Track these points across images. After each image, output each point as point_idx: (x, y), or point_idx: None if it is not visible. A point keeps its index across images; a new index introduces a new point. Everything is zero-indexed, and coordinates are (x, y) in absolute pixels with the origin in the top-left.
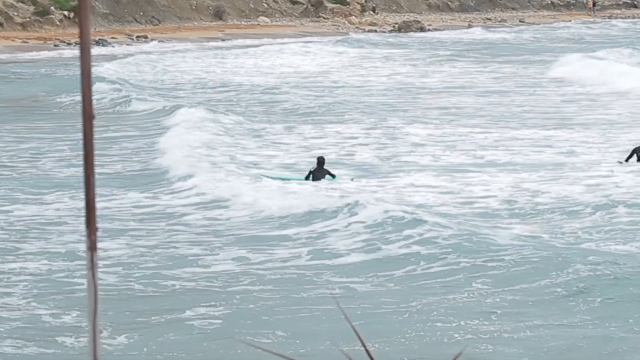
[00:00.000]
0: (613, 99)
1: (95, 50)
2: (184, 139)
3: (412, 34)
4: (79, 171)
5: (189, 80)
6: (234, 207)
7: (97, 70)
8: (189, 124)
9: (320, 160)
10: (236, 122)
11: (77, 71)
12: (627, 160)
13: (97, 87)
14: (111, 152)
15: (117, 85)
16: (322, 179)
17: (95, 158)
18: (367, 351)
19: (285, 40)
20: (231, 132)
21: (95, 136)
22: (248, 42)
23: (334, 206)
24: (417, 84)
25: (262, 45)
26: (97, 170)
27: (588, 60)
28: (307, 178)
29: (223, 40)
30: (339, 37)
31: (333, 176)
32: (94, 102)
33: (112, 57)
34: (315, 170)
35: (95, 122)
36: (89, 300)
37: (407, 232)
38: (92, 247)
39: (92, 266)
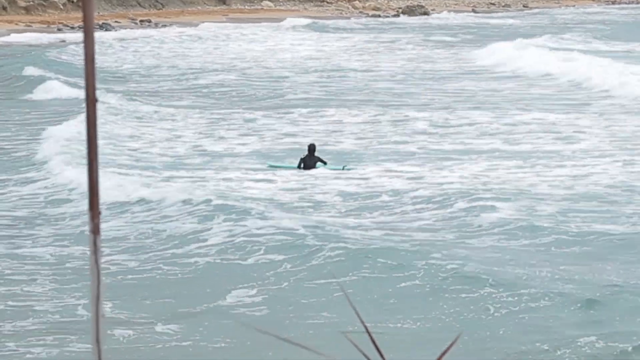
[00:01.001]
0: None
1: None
2: (73, 129)
3: (395, 19)
4: None
5: (159, 65)
6: (65, 200)
7: (44, 54)
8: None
9: (311, 148)
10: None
11: None
12: None
13: (27, 70)
14: None
15: (43, 70)
16: (314, 167)
17: None
18: (371, 338)
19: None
20: (143, 121)
21: None
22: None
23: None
24: (421, 69)
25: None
26: None
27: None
28: (299, 166)
29: (162, 25)
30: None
31: (325, 163)
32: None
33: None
34: (305, 157)
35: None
36: (92, 283)
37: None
38: (95, 230)
39: (96, 250)
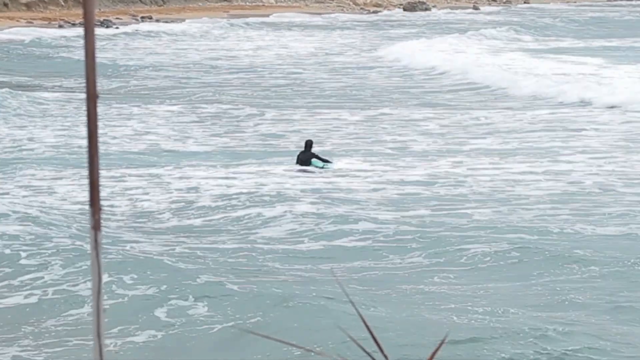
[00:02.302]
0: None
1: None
2: None
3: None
4: None
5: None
6: None
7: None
8: None
9: (308, 143)
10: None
11: None
12: None
13: None
14: None
15: None
16: (309, 163)
17: None
18: (373, 335)
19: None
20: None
21: None
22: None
23: None
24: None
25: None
26: None
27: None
28: (297, 162)
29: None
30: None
31: (322, 159)
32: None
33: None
34: (301, 153)
35: None
36: (93, 278)
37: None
38: (96, 226)
39: (96, 245)
